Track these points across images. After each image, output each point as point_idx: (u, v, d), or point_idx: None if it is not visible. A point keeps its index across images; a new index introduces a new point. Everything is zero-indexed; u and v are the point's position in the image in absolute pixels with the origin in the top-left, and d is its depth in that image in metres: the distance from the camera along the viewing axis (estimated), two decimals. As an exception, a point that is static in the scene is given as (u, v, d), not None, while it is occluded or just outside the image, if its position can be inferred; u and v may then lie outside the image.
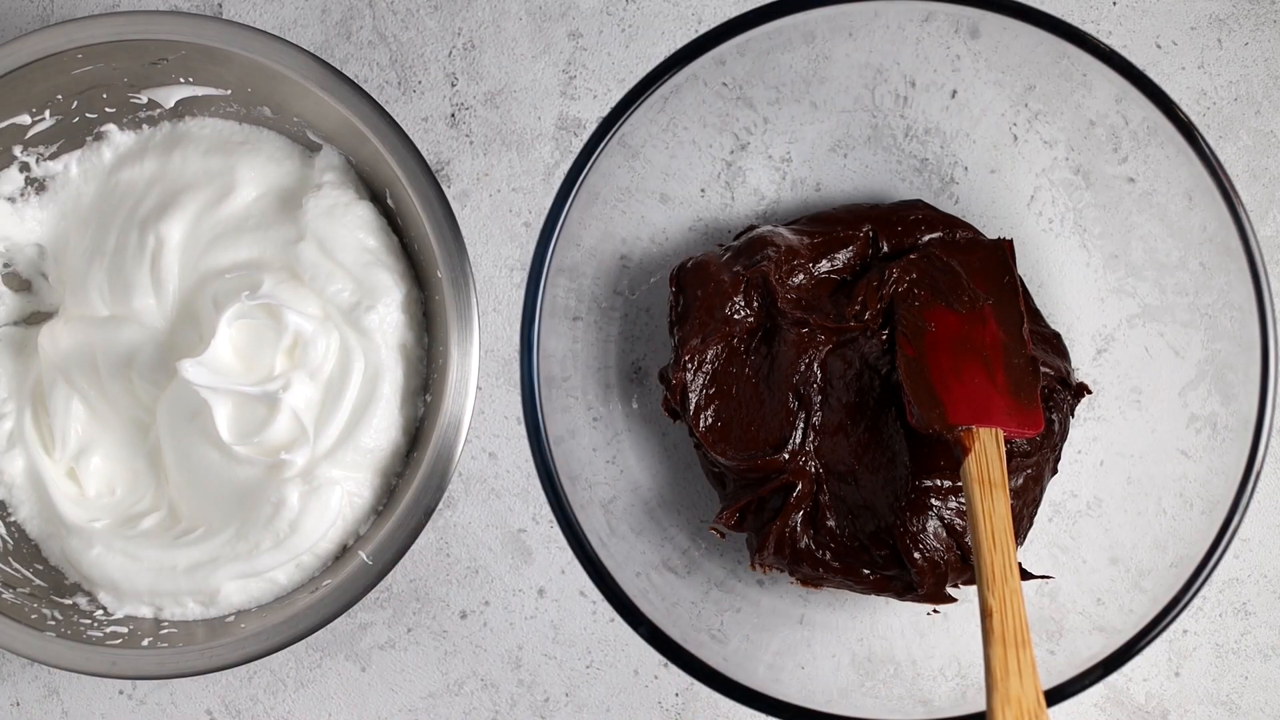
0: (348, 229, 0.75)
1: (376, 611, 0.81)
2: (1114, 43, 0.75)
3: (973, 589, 0.74)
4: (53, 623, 0.73)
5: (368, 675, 0.81)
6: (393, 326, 0.75)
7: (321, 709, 0.81)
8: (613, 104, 0.66)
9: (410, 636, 0.81)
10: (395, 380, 0.75)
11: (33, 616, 0.73)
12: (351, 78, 0.82)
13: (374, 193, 0.77)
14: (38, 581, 0.76)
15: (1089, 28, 0.79)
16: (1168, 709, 0.81)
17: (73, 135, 0.77)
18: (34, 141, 0.76)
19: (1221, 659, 0.81)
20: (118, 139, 0.78)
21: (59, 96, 0.75)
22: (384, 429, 0.75)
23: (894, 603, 0.75)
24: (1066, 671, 0.65)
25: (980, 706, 0.65)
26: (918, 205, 0.76)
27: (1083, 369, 0.76)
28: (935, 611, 0.74)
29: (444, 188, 0.81)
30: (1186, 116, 0.65)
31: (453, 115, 0.82)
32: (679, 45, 0.66)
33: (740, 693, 0.64)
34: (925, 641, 0.73)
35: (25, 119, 0.75)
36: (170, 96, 0.77)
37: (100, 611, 0.76)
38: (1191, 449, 0.69)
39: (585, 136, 0.75)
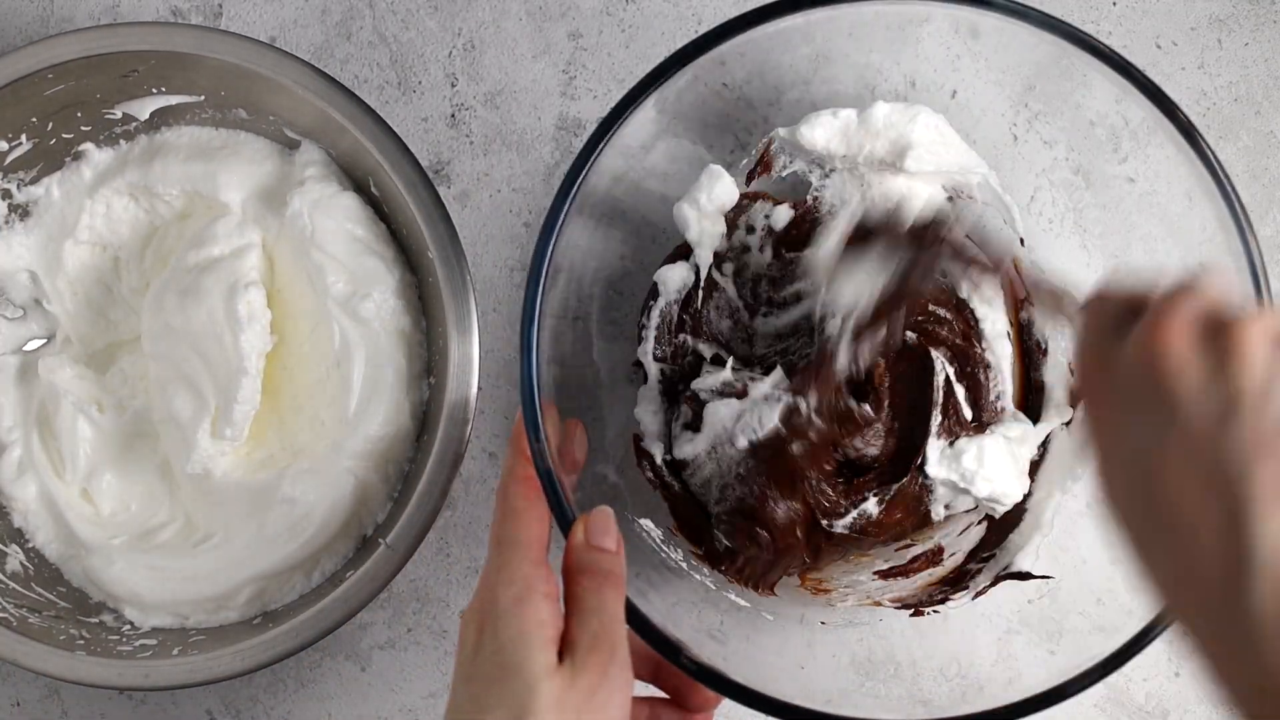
0: (335, 220, 0.75)
1: (376, 611, 0.81)
2: (1114, 43, 0.75)
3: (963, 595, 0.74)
4: (81, 641, 0.73)
5: (368, 675, 0.81)
6: (390, 313, 0.76)
7: (321, 709, 0.81)
8: (613, 104, 0.66)
9: (410, 636, 0.81)
10: (398, 366, 0.75)
11: (60, 638, 0.73)
12: (351, 78, 0.82)
13: (357, 183, 0.78)
14: (62, 604, 0.76)
15: (1089, 28, 0.79)
16: (1168, 709, 0.81)
17: (51, 157, 0.77)
18: (13, 168, 0.76)
19: (1221, 659, 0.81)
20: (96, 157, 0.78)
21: (33, 119, 0.75)
22: (391, 415, 0.75)
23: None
24: (1066, 671, 0.65)
25: (980, 707, 0.65)
26: None
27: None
28: (935, 611, 0.74)
29: (444, 188, 0.81)
30: (1186, 116, 0.65)
31: (453, 115, 0.82)
32: (679, 45, 0.66)
33: (740, 693, 0.64)
34: (925, 641, 0.73)
35: (2, 145, 0.75)
36: (144, 108, 0.77)
37: (127, 626, 0.76)
38: (1191, 449, 0.69)
39: (585, 136, 0.75)
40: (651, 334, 0.75)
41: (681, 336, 0.75)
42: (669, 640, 0.63)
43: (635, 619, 0.63)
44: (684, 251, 0.76)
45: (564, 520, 0.61)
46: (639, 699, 0.64)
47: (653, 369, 0.75)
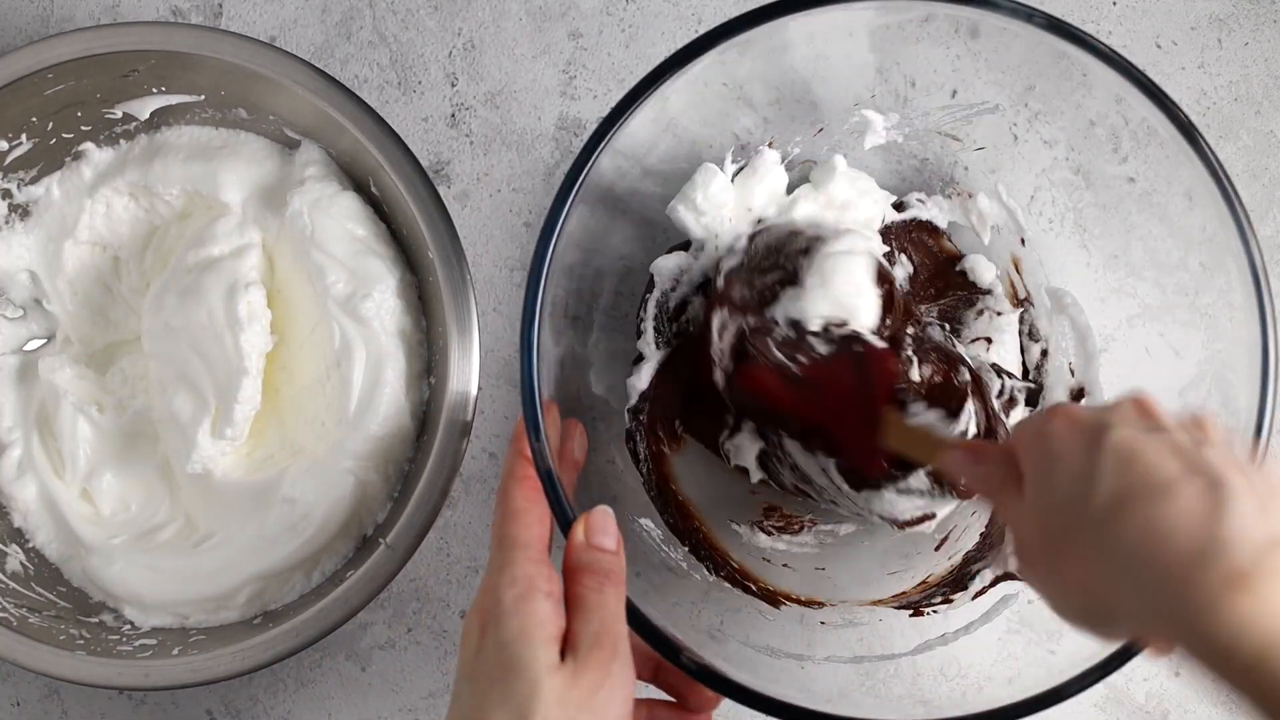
0: (335, 220, 0.75)
1: (376, 611, 0.81)
2: (1114, 43, 0.75)
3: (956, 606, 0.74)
4: (81, 641, 0.73)
5: (368, 675, 0.81)
6: (390, 313, 0.76)
7: (321, 709, 0.81)
8: (613, 104, 0.66)
9: (410, 636, 0.81)
10: (398, 366, 0.75)
11: (60, 638, 0.73)
12: (351, 78, 0.82)
13: (357, 183, 0.78)
14: (62, 604, 0.76)
15: (1089, 28, 0.79)
16: (1168, 709, 0.81)
17: (51, 157, 0.77)
18: (13, 167, 0.76)
19: (1221, 659, 0.80)
20: (96, 157, 0.78)
21: (33, 119, 0.75)
22: (391, 415, 0.75)
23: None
24: (1066, 671, 0.65)
25: (980, 707, 0.65)
26: None
27: (1082, 369, 0.76)
28: (935, 611, 0.74)
29: (444, 188, 0.81)
30: (1186, 116, 0.65)
31: (453, 115, 0.82)
32: (679, 45, 0.66)
33: (740, 693, 0.64)
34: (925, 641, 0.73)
35: (2, 145, 0.75)
36: (145, 108, 0.77)
37: (127, 626, 0.76)
38: (1191, 449, 0.69)
39: (585, 136, 0.75)
40: (650, 324, 0.75)
41: (687, 307, 0.75)
42: (669, 640, 0.63)
43: (635, 619, 0.63)
44: (683, 248, 0.76)
45: (564, 520, 0.61)
46: (639, 699, 0.64)
47: (654, 357, 0.75)
